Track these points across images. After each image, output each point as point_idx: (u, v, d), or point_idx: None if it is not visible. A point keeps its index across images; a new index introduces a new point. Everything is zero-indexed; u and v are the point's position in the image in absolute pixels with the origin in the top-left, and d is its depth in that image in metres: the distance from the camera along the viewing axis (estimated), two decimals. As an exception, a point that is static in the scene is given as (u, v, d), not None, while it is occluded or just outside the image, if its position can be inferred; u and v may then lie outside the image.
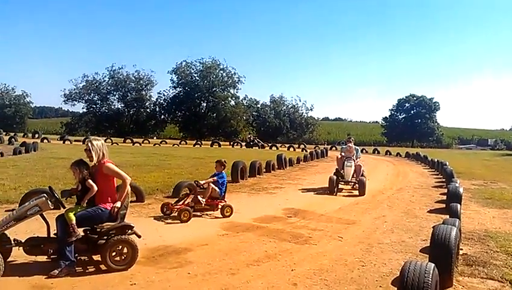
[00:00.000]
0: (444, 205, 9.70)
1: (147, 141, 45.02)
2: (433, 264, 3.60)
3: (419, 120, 77.16)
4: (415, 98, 78.81)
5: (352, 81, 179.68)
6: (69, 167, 5.18)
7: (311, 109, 78.80)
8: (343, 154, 12.68)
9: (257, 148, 41.76)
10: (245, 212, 8.61)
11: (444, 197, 10.37)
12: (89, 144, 5.06)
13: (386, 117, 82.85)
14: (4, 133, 41.24)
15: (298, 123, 76.19)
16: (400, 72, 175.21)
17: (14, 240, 4.76)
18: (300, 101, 78.19)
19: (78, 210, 4.84)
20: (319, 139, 72.43)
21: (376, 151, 40.69)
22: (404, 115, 79.85)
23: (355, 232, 7.29)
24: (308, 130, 77.25)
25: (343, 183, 12.24)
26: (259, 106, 78.75)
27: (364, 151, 32.08)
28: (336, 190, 11.58)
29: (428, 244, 5.14)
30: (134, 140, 43.32)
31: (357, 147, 13.32)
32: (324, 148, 36.22)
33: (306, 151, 32.66)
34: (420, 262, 3.63)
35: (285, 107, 77.72)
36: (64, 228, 4.70)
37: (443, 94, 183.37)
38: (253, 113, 77.59)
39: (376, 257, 5.82)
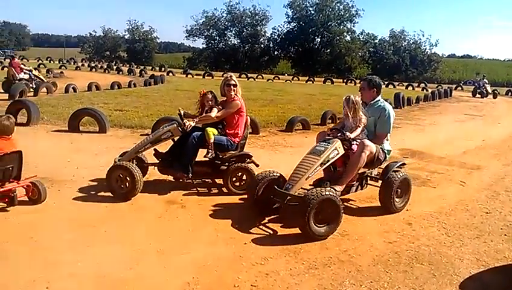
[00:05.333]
0: None
1: (261, 77, 45.78)
2: None
3: None
4: None
5: (486, 13, 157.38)
6: (203, 93, 5.50)
7: (436, 45, 71.79)
8: None
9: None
10: (358, 150, 8.48)
11: None
12: (234, 79, 5.39)
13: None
14: (135, 66, 45.38)
15: (419, 60, 70.01)
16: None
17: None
18: (423, 36, 71.32)
19: (215, 133, 5.20)
20: (442, 78, 66.19)
21: (510, 93, 36.03)
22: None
23: (480, 178, 6.74)
24: (430, 67, 70.81)
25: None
26: (376, 41, 73.86)
27: (496, 92, 28.56)
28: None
29: None
30: (249, 75, 44.38)
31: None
32: (448, 87, 33.08)
33: (427, 90, 30.31)
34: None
35: (405, 43, 71.67)
36: (194, 144, 5.11)
37: None
38: (370, 49, 73.21)
39: (502, 205, 5.36)
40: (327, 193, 3.90)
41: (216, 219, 4.32)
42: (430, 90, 27.73)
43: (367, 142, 4.51)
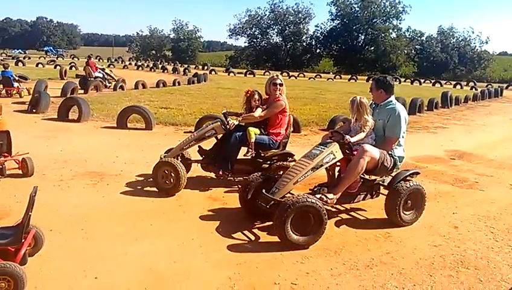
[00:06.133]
0: None
1: (302, 75, 45.56)
2: None
3: None
4: None
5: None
6: (249, 93, 5.49)
7: (486, 42, 68.52)
8: None
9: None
10: (402, 150, 8.28)
11: None
12: (280, 79, 5.42)
13: None
14: (179, 65, 46.43)
15: (469, 58, 67.20)
16: None
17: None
18: (473, 33, 68.49)
19: (257, 133, 5.27)
20: (492, 77, 63.07)
21: None
22: None
23: (532, 182, 6.41)
24: (479, 66, 67.69)
25: None
26: (423, 38, 71.50)
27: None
28: None
29: None
30: (290, 73, 44.26)
31: None
32: (499, 86, 31.50)
33: (476, 89, 29.04)
34: None
35: (454, 40, 69.05)
36: (237, 143, 5.20)
37: None
38: (416, 46, 71.02)
39: (558, 211, 5.08)
40: (308, 199, 3.64)
41: (256, 216, 4.37)
42: (479, 90, 26.55)
43: (367, 146, 4.12)
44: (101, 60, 53.07)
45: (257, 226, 4.19)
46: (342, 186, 4.12)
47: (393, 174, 4.45)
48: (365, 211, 4.75)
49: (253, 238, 3.93)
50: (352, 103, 4.39)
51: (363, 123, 4.32)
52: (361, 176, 4.25)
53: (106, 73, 18.97)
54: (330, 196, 4.02)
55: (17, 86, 13.90)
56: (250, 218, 4.27)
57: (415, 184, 4.36)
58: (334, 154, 4.08)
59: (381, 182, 4.48)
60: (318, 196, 3.93)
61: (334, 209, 4.60)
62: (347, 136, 4.15)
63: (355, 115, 4.37)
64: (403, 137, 4.44)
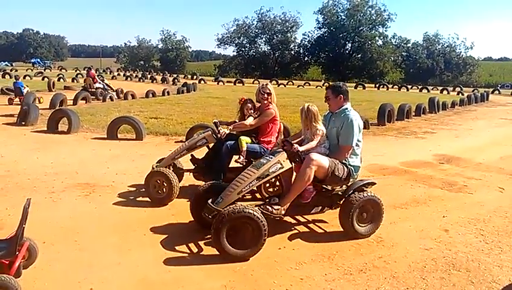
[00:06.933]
0: None
1: (291, 83, 45.88)
2: None
3: None
4: None
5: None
6: (243, 101, 5.54)
7: (471, 48, 70.29)
8: None
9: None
10: (392, 156, 8.40)
11: None
12: (269, 88, 5.42)
13: None
14: (168, 75, 46.41)
15: (454, 64, 68.39)
16: None
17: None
18: (458, 39, 69.83)
19: (248, 141, 5.29)
20: (478, 81, 64.18)
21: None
22: None
23: (520, 184, 6.54)
24: (465, 71, 68.89)
25: None
26: (409, 45, 72.60)
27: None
28: None
29: None
30: (279, 82, 44.52)
31: None
32: (485, 91, 32.05)
33: (463, 94, 29.55)
34: None
35: (439, 46, 70.25)
36: (228, 151, 5.21)
37: None
38: (403, 53, 72.05)
39: (545, 213, 5.18)
40: (245, 210, 3.52)
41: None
42: (466, 94, 27.00)
43: (313, 155, 3.91)
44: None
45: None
46: (289, 197, 3.95)
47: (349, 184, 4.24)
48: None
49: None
50: (301, 111, 4.30)
51: (314, 131, 4.16)
52: (324, 186, 4.12)
53: (106, 84, 19.57)
54: (276, 207, 3.89)
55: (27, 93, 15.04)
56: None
57: (370, 195, 4.15)
58: (281, 164, 3.93)
59: (340, 193, 4.23)
60: (262, 206, 3.82)
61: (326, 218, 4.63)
62: (295, 145, 3.95)
63: (306, 123, 4.24)
64: (358, 146, 4.22)
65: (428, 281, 3.36)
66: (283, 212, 3.93)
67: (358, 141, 4.19)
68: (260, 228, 3.55)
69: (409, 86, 45.08)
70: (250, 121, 5.34)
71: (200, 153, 5.51)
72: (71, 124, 9.58)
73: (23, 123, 10.45)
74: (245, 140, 5.23)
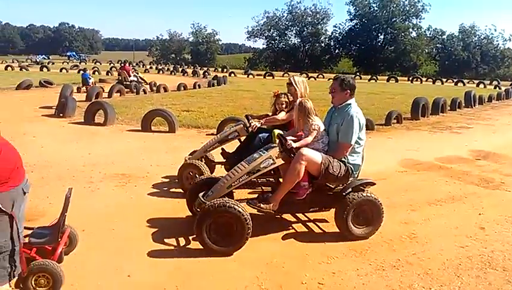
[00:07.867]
0: None
1: (322, 76, 45.34)
2: None
3: None
4: None
5: None
6: (276, 94, 5.49)
7: (510, 39, 67.01)
8: None
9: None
10: (426, 151, 8.24)
11: None
12: (292, 80, 5.37)
13: None
14: (199, 68, 46.84)
15: (491, 56, 65.85)
16: None
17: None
18: (495, 30, 67.06)
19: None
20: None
21: None
22: None
23: (562, 183, 6.28)
24: (503, 64, 66.23)
25: None
26: (444, 37, 70.36)
27: None
28: None
29: None
30: (309, 74, 44.12)
31: None
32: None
33: (500, 88, 28.46)
34: None
35: (476, 38, 67.75)
36: (261, 144, 5.20)
37: None
38: (437, 45, 69.97)
39: None
40: (227, 205, 3.48)
41: (281, 216, 4.42)
42: (503, 88, 25.99)
43: (304, 150, 3.76)
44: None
45: (283, 226, 4.23)
46: (278, 193, 3.85)
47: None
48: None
49: (279, 238, 3.98)
50: (295, 107, 4.21)
51: (309, 127, 4.02)
52: (327, 185, 4.03)
53: (140, 77, 20.38)
54: (267, 202, 3.82)
55: (92, 83, 17.91)
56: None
57: (367, 195, 3.93)
58: (273, 159, 3.83)
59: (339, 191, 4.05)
60: (252, 202, 3.80)
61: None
62: (290, 141, 3.84)
63: (301, 119, 4.12)
64: (359, 144, 4.03)
65: (463, 279, 3.30)
66: (273, 208, 3.85)
67: (359, 139, 4.01)
68: (243, 223, 3.50)
69: (444, 79, 43.72)
70: (281, 116, 5.34)
71: (231, 146, 5.57)
72: (107, 116, 9.86)
73: (61, 115, 10.84)
74: (279, 133, 5.24)
